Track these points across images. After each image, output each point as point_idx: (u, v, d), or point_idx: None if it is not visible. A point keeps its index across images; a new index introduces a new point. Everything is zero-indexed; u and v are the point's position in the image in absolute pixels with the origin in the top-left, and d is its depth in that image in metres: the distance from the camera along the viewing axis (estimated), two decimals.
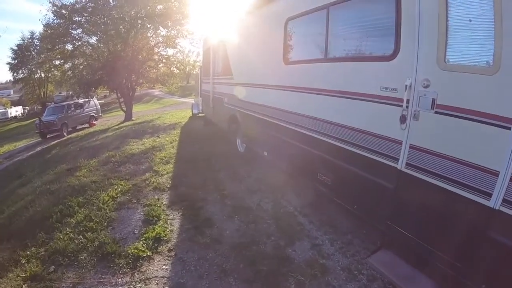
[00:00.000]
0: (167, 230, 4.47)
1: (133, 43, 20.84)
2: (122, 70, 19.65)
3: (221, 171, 6.83)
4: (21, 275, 3.79)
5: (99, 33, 20.34)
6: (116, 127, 18.58)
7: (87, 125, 23.26)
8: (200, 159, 7.74)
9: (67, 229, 4.73)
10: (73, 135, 19.60)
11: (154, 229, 4.45)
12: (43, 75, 39.88)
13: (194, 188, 5.97)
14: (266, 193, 5.62)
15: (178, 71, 24.74)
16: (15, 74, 44.68)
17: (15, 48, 42.71)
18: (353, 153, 3.52)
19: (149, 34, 22.45)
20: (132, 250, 3.99)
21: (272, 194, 5.53)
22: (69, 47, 21.05)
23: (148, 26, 21.15)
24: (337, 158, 3.85)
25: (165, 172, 7.04)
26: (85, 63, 22.31)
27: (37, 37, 39.99)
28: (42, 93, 47.35)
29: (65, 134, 20.21)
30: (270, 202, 5.28)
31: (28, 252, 4.26)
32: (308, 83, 4.32)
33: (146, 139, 11.17)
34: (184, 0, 20.58)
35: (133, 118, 22.25)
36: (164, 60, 23.03)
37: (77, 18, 20.09)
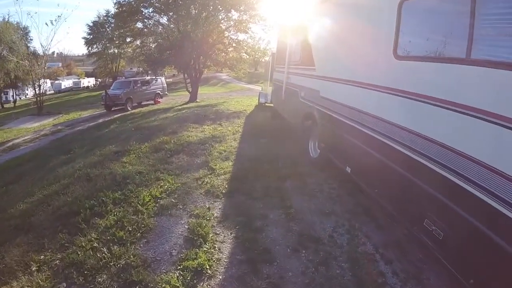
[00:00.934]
0: (213, 259, 3.47)
1: (203, 25, 20.37)
2: (190, 51, 19.21)
3: (287, 180, 5.68)
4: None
5: (170, 13, 20.06)
6: (179, 107, 18.42)
7: (152, 102, 23.70)
8: (264, 160, 6.64)
9: (93, 234, 3.96)
10: (136, 110, 19.97)
11: (197, 256, 3.47)
12: (116, 50, 41.69)
13: (254, 198, 4.92)
14: (341, 218, 4.40)
15: (247, 56, 23.94)
16: (90, 48, 48.48)
17: (91, 24, 45.09)
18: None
19: (220, 17, 21.80)
20: (163, 285, 3.06)
21: (348, 222, 4.31)
22: (139, 25, 21.13)
23: (220, 8, 20.44)
24: (467, 209, 2.51)
25: (222, 171, 6.07)
26: (155, 41, 22.33)
27: (111, 15, 41.82)
28: (114, 68, 50.39)
29: (129, 108, 20.84)
30: (346, 233, 4.07)
31: (42, 257, 3.57)
32: (437, 92, 2.89)
33: (207, 125, 10.38)
34: None
35: (197, 100, 22.11)
36: (234, 45, 22.29)
37: None
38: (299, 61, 7.29)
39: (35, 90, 25.48)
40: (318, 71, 6.09)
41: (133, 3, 20.07)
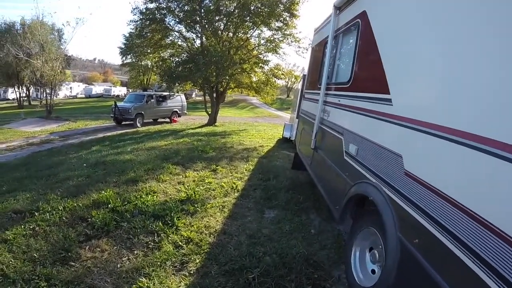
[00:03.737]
0: None
1: (229, 39, 17.55)
2: (211, 68, 16.30)
3: None
4: None
5: (191, 23, 17.41)
6: (191, 130, 16.03)
7: (168, 120, 21.82)
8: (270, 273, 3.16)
9: None
10: (144, 128, 18.18)
11: None
12: (148, 63, 40.06)
13: None
14: None
15: (276, 80, 20.78)
16: (124, 58, 47.05)
17: (127, 34, 44.19)
18: None
19: (248, 34, 19.02)
20: None
21: None
22: (158, 36, 18.69)
23: (248, 22, 17.63)
24: None
25: None
26: (174, 55, 19.79)
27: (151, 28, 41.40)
28: (145, 80, 50.32)
29: (138, 125, 18.98)
30: None
31: None
32: None
33: (194, 170, 7.10)
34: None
35: (216, 124, 19.61)
36: (261, 65, 19.21)
37: (170, 4, 17.70)
38: (347, 83, 3.78)
39: (45, 92, 23.99)
40: (397, 104, 2.59)
41: (152, 10, 17.66)
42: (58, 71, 23.18)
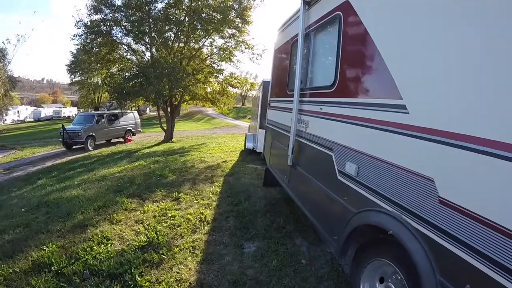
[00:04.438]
0: None
1: (180, 50, 16.72)
2: (163, 81, 15.35)
3: None
4: None
5: (139, 33, 16.41)
6: (147, 150, 14.90)
7: (122, 139, 20.63)
8: None
9: None
10: (96, 151, 16.61)
11: None
12: (98, 80, 37.98)
13: None
14: None
15: (232, 90, 20.17)
16: (72, 76, 44.59)
17: (74, 51, 41.82)
18: None
19: (200, 43, 18.29)
20: None
21: None
22: (105, 50, 17.42)
23: (199, 31, 16.91)
24: None
25: None
26: (123, 70, 18.60)
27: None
28: (96, 98, 48.15)
29: (90, 148, 17.59)
30: None
31: None
32: None
33: (154, 202, 6.15)
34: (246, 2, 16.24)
35: (173, 140, 18.57)
36: (216, 74, 18.47)
37: (116, 15, 16.57)
38: (331, 87, 3.14)
39: None
40: (418, 114, 1.98)
41: (99, 22, 16.42)
42: (1, 94, 21.06)
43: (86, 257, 3.99)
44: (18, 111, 60.57)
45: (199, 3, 15.92)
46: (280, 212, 5.18)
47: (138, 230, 4.82)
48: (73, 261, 3.93)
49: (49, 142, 21.96)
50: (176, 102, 18.72)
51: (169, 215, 5.35)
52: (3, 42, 22.58)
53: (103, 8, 16.29)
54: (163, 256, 3.91)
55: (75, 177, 9.69)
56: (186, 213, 5.40)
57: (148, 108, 51.14)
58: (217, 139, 18.45)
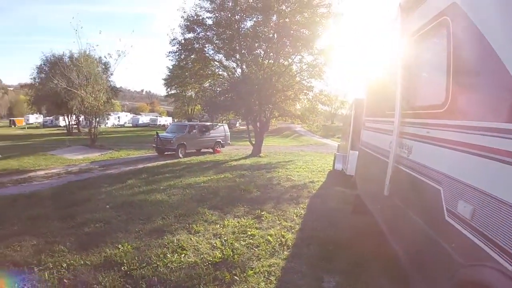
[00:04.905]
0: None
1: (270, 66, 16.99)
2: (254, 97, 15.66)
3: None
4: None
5: (229, 50, 17.20)
6: (234, 162, 15.20)
7: (211, 150, 21.07)
8: None
9: None
10: (186, 159, 17.40)
11: None
12: (192, 93, 40.90)
13: None
14: None
15: (322, 107, 19.69)
16: (169, 89, 48.60)
17: (170, 67, 45.92)
18: None
19: (290, 60, 18.31)
20: None
21: None
22: (198, 66, 18.69)
23: (288, 47, 17.06)
24: None
25: None
26: (215, 85, 19.62)
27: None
28: (189, 110, 51.43)
29: (180, 155, 18.30)
30: None
31: None
32: None
33: (235, 217, 6.07)
34: (334, 15, 15.90)
35: (260, 154, 18.52)
36: (305, 91, 18.24)
37: (207, 33, 17.67)
38: (442, 106, 2.61)
39: (89, 121, 25.11)
40: None
41: (192, 40, 17.70)
42: (102, 101, 23.96)
43: (158, 263, 4.02)
44: (118, 117, 68.85)
45: (287, 20, 16.03)
46: (368, 245, 4.60)
47: (215, 245, 4.73)
48: (144, 265, 3.98)
49: (144, 147, 23.68)
50: (265, 117, 18.90)
51: (249, 233, 5.19)
52: (105, 56, 25.62)
53: (195, 27, 17.47)
54: (235, 277, 3.71)
55: (162, 181, 10.20)
56: (266, 233, 5.17)
57: (238, 122, 52.95)
58: (304, 157, 18.12)
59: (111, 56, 24.17)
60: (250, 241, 4.85)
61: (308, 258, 4.27)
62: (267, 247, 4.61)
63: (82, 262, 4.07)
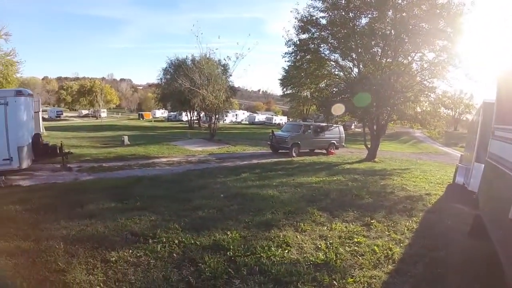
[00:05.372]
0: None
1: (388, 65, 16.27)
2: (370, 98, 15.16)
3: None
4: None
5: (345, 49, 16.97)
6: (347, 165, 15.27)
7: (325, 151, 21.07)
8: None
9: None
10: (300, 158, 17.91)
11: None
12: (307, 93, 41.44)
13: None
14: None
15: (445, 111, 17.94)
16: (284, 89, 51.08)
17: (286, 67, 47.46)
18: None
19: (409, 58, 17.08)
20: None
21: None
22: (313, 66, 18.70)
23: (407, 44, 15.95)
24: None
25: None
26: (330, 85, 19.67)
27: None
28: (304, 110, 51.98)
29: (294, 154, 18.89)
30: None
31: None
32: None
33: (345, 221, 6.18)
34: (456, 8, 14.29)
35: (375, 159, 17.90)
36: (427, 93, 16.82)
37: (322, 33, 17.61)
38: None
39: (209, 117, 28.71)
40: None
41: (307, 40, 17.91)
42: (222, 99, 26.41)
43: (262, 254, 4.43)
44: (236, 114, 74.43)
45: (404, 14, 15.09)
46: (480, 276, 4.18)
47: (319, 246, 4.93)
48: (248, 254, 4.43)
49: (259, 143, 24.97)
50: (383, 120, 18.08)
51: (355, 240, 5.25)
52: (224, 59, 28.01)
53: (309, 27, 17.53)
54: (334, 282, 3.86)
55: (275, 178, 10.83)
56: (373, 243, 5.17)
57: (353, 124, 51.51)
58: (422, 166, 16.91)
59: (230, 59, 26.37)
60: (355, 248, 4.92)
61: (413, 277, 4.14)
62: (372, 257, 4.62)
63: (192, 242, 4.78)
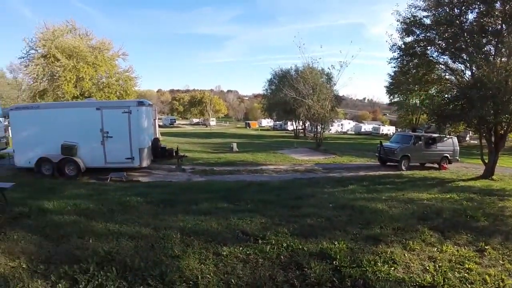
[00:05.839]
0: None
1: (504, 66, 14.26)
2: (488, 104, 13.72)
3: None
4: None
5: (454, 50, 15.59)
6: (462, 183, 14.01)
7: (437, 165, 19.61)
8: None
9: None
10: (407, 172, 17.13)
11: None
12: (416, 101, 38.82)
13: None
14: None
15: None
16: (391, 97, 49.17)
17: (392, 73, 45.04)
18: None
19: None
20: None
21: None
22: (422, 71, 17.52)
23: None
24: None
25: None
26: (442, 91, 18.19)
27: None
28: (414, 119, 48.58)
29: (403, 167, 18.12)
30: None
31: None
32: None
33: (457, 244, 6.00)
34: None
35: (493, 177, 15.98)
36: None
37: (428, 34, 16.45)
38: None
39: (316, 127, 29.17)
40: None
41: (412, 43, 16.94)
42: (327, 109, 26.70)
43: (367, 268, 4.61)
44: (341, 124, 73.24)
45: None
46: None
47: (427, 268, 4.91)
48: (354, 266, 4.66)
49: (366, 155, 24.40)
50: (502, 131, 15.95)
51: (466, 265, 5.10)
52: (328, 68, 28.19)
53: (413, 29, 16.53)
54: None
55: (383, 191, 10.76)
56: (485, 271, 4.97)
57: (468, 135, 46.26)
58: None
59: (333, 67, 26.60)
60: (465, 275, 4.80)
61: None
62: (482, 287, 4.52)
63: (300, 247, 5.23)
